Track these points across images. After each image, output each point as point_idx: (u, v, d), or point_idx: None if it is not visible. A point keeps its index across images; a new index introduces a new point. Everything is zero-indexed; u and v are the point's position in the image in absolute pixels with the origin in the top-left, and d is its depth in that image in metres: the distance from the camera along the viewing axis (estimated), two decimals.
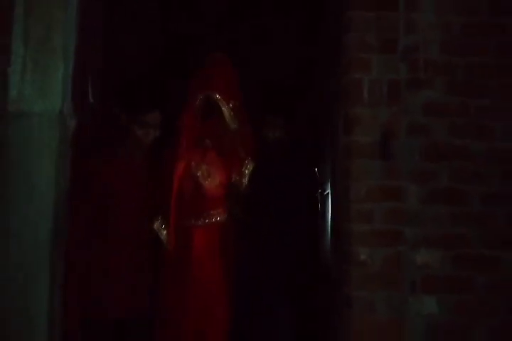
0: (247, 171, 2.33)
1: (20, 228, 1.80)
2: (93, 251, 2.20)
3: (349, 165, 2.06)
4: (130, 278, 2.23)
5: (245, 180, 2.33)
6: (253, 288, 2.45)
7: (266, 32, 3.96)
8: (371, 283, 2.01)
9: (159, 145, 2.33)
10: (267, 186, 2.48)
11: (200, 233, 2.26)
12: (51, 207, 1.82)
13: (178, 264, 2.21)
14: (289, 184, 2.53)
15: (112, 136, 2.32)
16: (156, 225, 2.24)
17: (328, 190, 2.66)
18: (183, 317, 2.18)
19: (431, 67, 2.09)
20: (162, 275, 2.24)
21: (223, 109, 2.29)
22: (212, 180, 2.30)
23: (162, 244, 2.26)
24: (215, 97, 2.29)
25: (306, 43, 3.75)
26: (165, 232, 2.24)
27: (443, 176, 2.06)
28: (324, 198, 2.76)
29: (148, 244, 2.27)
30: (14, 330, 1.79)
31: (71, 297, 2.14)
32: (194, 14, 3.98)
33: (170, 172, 2.27)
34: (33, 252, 1.80)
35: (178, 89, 2.47)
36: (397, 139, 2.05)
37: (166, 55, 3.83)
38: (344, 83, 2.13)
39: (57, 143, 1.84)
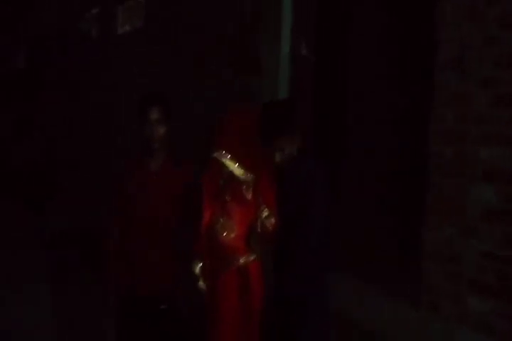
0: (263, 221, 2.38)
1: None
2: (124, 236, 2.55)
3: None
4: (156, 259, 2.51)
5: (264, 229, 2.38)
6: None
7: None
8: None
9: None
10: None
11: (226, 277, 2.40)
12: None
13: (210, 303, 2.42)
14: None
15: None
16: (197, 270, 2.45)
17: None
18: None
19: None
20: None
21: (230, 168, 2.36)
22: (227, 234, 2.40)
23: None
24: (222, 157, 2.37)
25: None
26: (200, 270, 2.46)
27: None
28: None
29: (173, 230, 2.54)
30: None
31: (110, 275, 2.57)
32: None
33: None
34: None
35: None
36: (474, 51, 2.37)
37: None
38: None
39: None
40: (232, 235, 2.40)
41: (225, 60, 4.59)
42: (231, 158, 2.37)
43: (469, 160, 2.59)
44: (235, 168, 2.37)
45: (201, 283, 2.44)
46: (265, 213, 2.37)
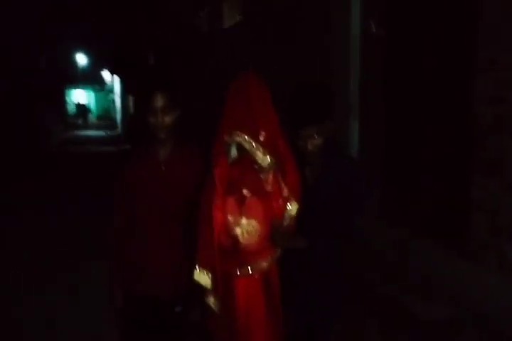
0: (289, 215, 2.03)
1: None
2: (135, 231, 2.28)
3: None
4: (168, 258, 2.24)
5: (288, 223, 2.03)
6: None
7: None
8: None
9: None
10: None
11: (243, 283, 2.04)
12: None
13: (223, 314, 2.05)
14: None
15: None
16: (199, 275, 2.03)
17: None
18: None
19: None
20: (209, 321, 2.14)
21: (250, 149, 1.93)
22: (251, 237, 2.00)
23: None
24: (237, 139, 1.94)
25: None
26: (210, 281, 2.02)
27: None
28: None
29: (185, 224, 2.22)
30: None
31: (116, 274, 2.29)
32: None
33: (207, 220, 2.02)
34: None
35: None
36: None
37: None
38: None
39: None
40: (256, 239, 1.99)
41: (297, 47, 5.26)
42: (248, 139, 1.92)
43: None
44: (255, 151, 1.93)
45: (212, 299, 2.03)
46: (293, 206, 2.01)
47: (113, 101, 30.42)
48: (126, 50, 16.65)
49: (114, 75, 25.20)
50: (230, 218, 1.99)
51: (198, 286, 2.06)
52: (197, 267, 2.01)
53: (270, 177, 1.97)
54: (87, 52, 30.88)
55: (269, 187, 1.98)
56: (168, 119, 2.15)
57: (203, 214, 2.01)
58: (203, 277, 2.01)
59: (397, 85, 4.12)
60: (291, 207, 2.01)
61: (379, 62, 4.26)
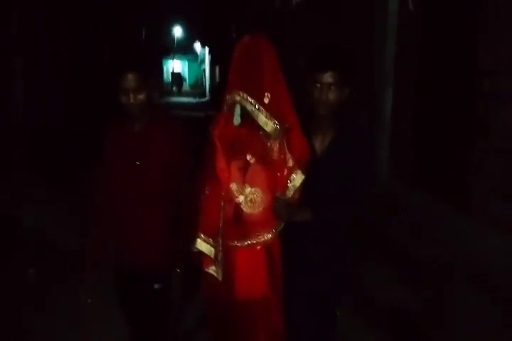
0: (293, 185, 1.92)
1: None
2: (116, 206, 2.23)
3: None
4: (146, 234, 2.21)
5: (292, 194, 1.94)
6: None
7: None
8: None
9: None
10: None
11: (245, 253, 1.98)
12: None
13: (222, 284, 1.98)
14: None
15: None
16: (201, 243, 1.98)
17: None
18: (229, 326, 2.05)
19: None
20: (205, 292, 2.09)
21: (252, 111, 1.83)
22: (255, 206, 1.92)
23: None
24: (237, 99, 1.84)
25: None
26: (214, 252, 1.96)
27: None
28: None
29: (168, 202, 2.21)
30: None
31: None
32: None
33: (208, 188, 1.98)
34: None
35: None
36: None
37: None
38: None
39: None
40: (261, 208, 1.92)
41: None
42: (252, 101, 1.82)
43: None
44: (258, 114, 1.82)
45: (213, 268, 1.98)
46: (298, 176, 1.91)
47: (204, 71, 32.48)
48: (215, 24, 18.33)
49: (205, 46, 27.06)
50: (233, 186, 1.92)
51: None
52: (200, 235, 1.97)
53: (276, 144, 1.88)
54: (183, 25, 33.21)
55: (274, 155, 1.89)
56: (140, 97, 2.13)
57: (208, 179, 1.95)
58: (204, 245, 1.96)
59: (430, 58, 4.52)
60: (296, 178, 1.91)
61: (414, 37, 4.70)
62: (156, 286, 2.25)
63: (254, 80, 1.83)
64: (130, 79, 2.10)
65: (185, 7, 24.79)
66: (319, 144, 2.04)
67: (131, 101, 2.12)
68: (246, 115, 1.88)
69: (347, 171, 1.99)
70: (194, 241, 1.98)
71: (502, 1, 3.50)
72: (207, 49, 27.08)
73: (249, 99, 1.82)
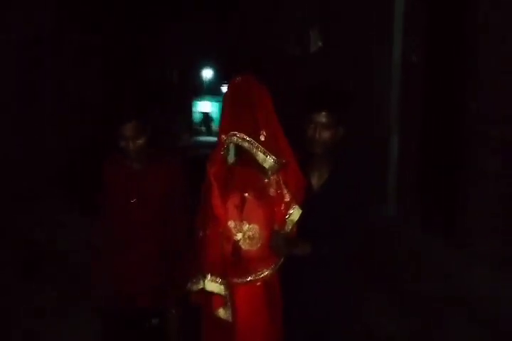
0: (291, 220, 1.96)
1: None
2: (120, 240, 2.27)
3: None
4: (145, 269, 2.25)
5: (289, 229, 1.98)
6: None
7: None
8: None
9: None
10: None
11: (245, 290, 1.98)
12: None
13: (223, 321, 1.96)
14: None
15: None
16: (210, 283, 1.92)
17: None
18: None
19: None
20: (206, 329, 2.08)
21: (250, 149, 1.88)
22: (254, 242, 1.93)
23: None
24: (234, 140, 1.88)
25: None
26: (224, 290, 1.91)
27: None
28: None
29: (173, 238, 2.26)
30: None
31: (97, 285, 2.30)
32: None
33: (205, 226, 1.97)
34: None
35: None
36: None
37: None
38: None
39: None
40: (259, 245, 1.93)
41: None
42: (250, 140, 1.85)
43: None
44: (256, 152, 1.86)
45: (221, 311, 1.94)
46: (295, 211, 1.94)
47: None
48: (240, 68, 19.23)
49: None
50: (231, 223, 1.93)
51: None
52: (206, 275, 1.91)
53: (273, 180, 1.91)
54: (212, 68, 34.58)
55: (271, 191, 1.92)
56: (139, 142, 2.20)
57: (207, 218, 1.94)
58: (214, 285, 1.91)
59: (433, 105, 4.80)
60: (294, 212, 1.94)
61: (417, 85, 5.02)
62: (154, 321, 2.30)
63: (249, 119, 1.88)
64: (129, 127, 2.17)
65: (215, 53, 26.36)
66: (316, 181, 2.07)
67: (130, 147, 2.21)
68: (241, 153, 1.93)
69: (343, 208, 2.02)
70: (196, 281, 1.96)
71: (499, 50, 3.71)
72: None
73: (247, 139, 1.87)
